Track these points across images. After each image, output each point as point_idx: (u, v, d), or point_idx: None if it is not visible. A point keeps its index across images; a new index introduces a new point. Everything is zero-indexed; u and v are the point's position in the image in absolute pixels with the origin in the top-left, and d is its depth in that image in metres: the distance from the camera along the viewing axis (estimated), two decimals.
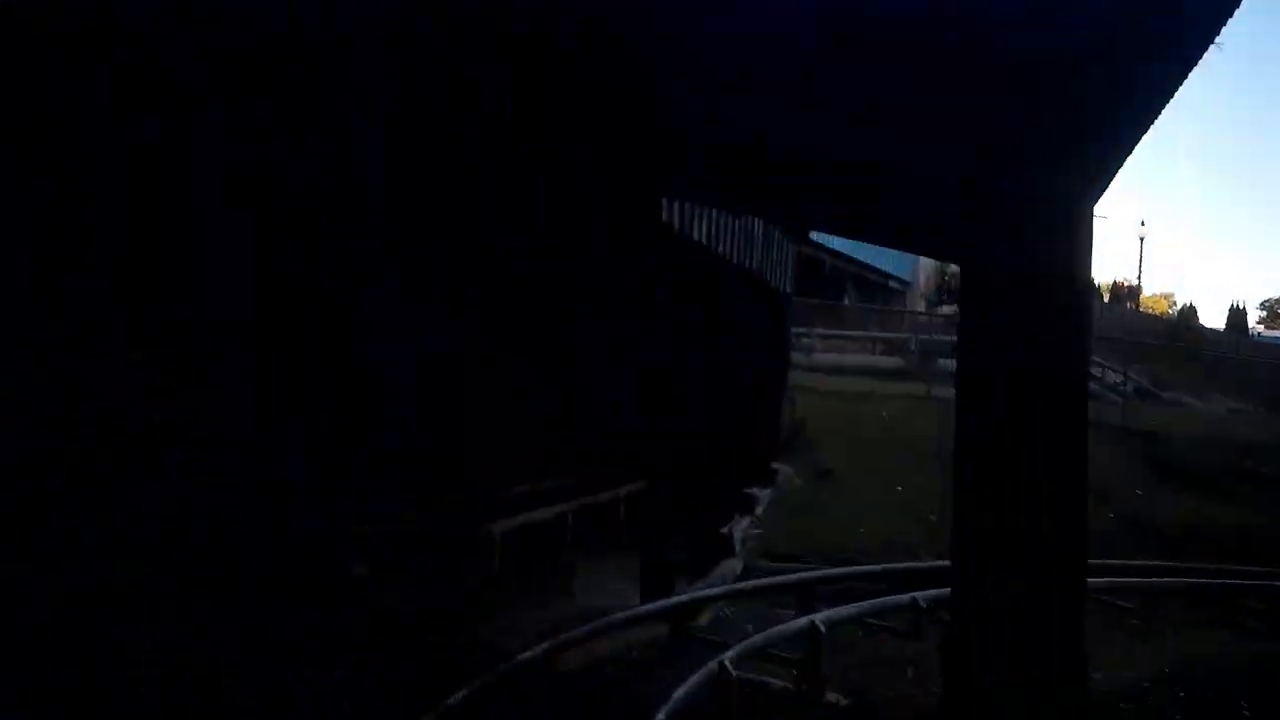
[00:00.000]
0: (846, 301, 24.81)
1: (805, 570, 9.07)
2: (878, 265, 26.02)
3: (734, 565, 9.68)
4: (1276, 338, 37.63)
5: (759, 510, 11.02)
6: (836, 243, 24.96)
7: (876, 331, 22.07)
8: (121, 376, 4.36)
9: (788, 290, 12.89)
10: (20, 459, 3.94)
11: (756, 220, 10.61)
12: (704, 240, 9.34)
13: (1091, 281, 4.39)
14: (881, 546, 10.49)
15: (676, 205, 8.04)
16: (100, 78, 3.78)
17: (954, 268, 26.50)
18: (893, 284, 28.58)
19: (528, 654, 5.53)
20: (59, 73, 3.66)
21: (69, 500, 4.08)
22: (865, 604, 7.71)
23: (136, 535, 4.37)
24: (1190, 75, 3.17)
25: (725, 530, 10.13)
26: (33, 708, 3.78)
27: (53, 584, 4.01)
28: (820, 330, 19.42)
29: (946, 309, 25.63)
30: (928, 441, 13.57)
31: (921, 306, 28.81)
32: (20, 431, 3.95)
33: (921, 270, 29.42)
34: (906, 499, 11.76)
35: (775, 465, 12.24)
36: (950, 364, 18.12)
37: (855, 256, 24.40)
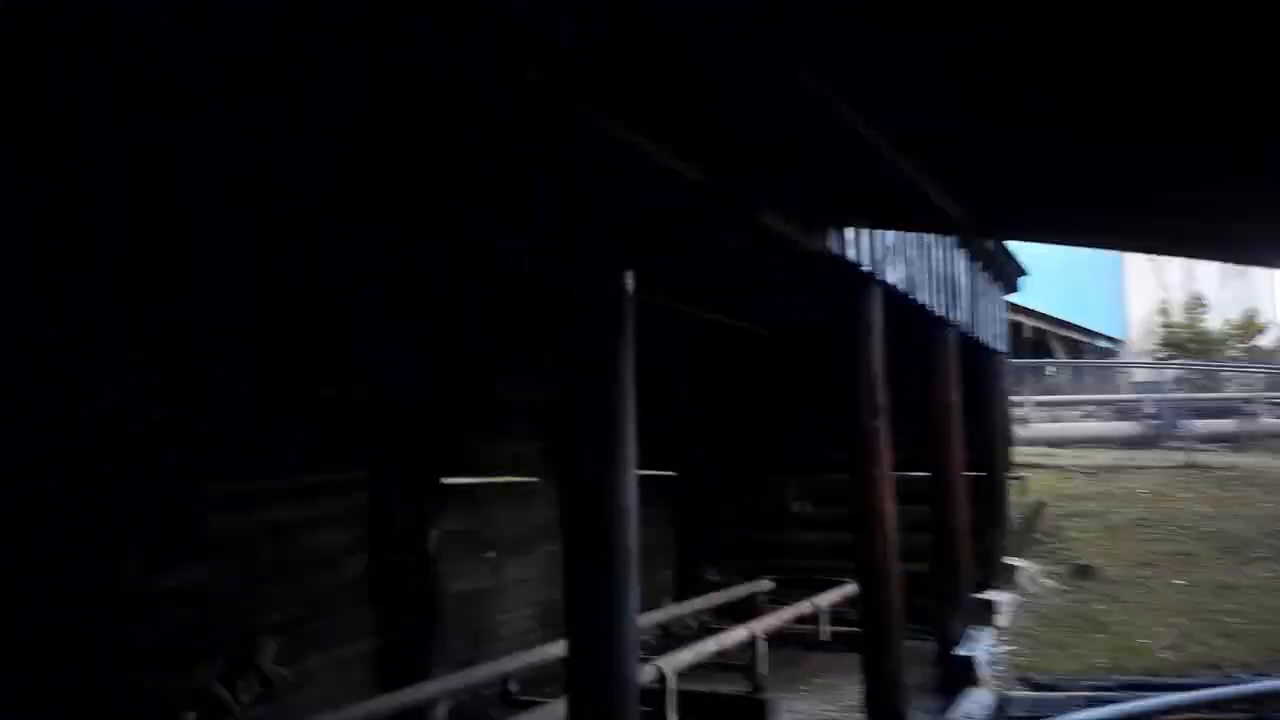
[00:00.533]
0: (1054, 368, 21.90)
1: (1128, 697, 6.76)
2: (1083, 324, 23.07)
3: (982, 698, 7.44)
4: None
5: (1000, 619, 8.71)
6: (1034, 299, 22.31)
7: (1098, 394, 19.16)
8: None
9: (1001, 349, 10.70)
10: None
11: (953, 260, 8.69)
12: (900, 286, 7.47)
13: None
14: (1175, 663, 7.99)
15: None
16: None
17: (1174, 317, 23.09)
18: (1101, 343, 25.34)
19: None
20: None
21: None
22: None
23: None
24: None
25: (963, 650, 7.92)
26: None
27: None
28: (1035, 397, 16.78)
29: (1171, 369, 22.29)
30: (1204, 521, 10.90)
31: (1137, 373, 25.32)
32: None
33: (1134, 326, 26.05)
34: (1196, 600, 9.16)
35: (1011, 561, 9.88)
36: (1199, 424, 15.25)
37: (1056, 315, 21.67)
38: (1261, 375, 18.66)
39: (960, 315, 9.02)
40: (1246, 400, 16.96)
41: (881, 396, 5.99)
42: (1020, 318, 20.34)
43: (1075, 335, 23.44)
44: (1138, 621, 8.76)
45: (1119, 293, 26.22)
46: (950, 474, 8.75)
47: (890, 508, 6.01)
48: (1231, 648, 8.50)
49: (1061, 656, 8.10)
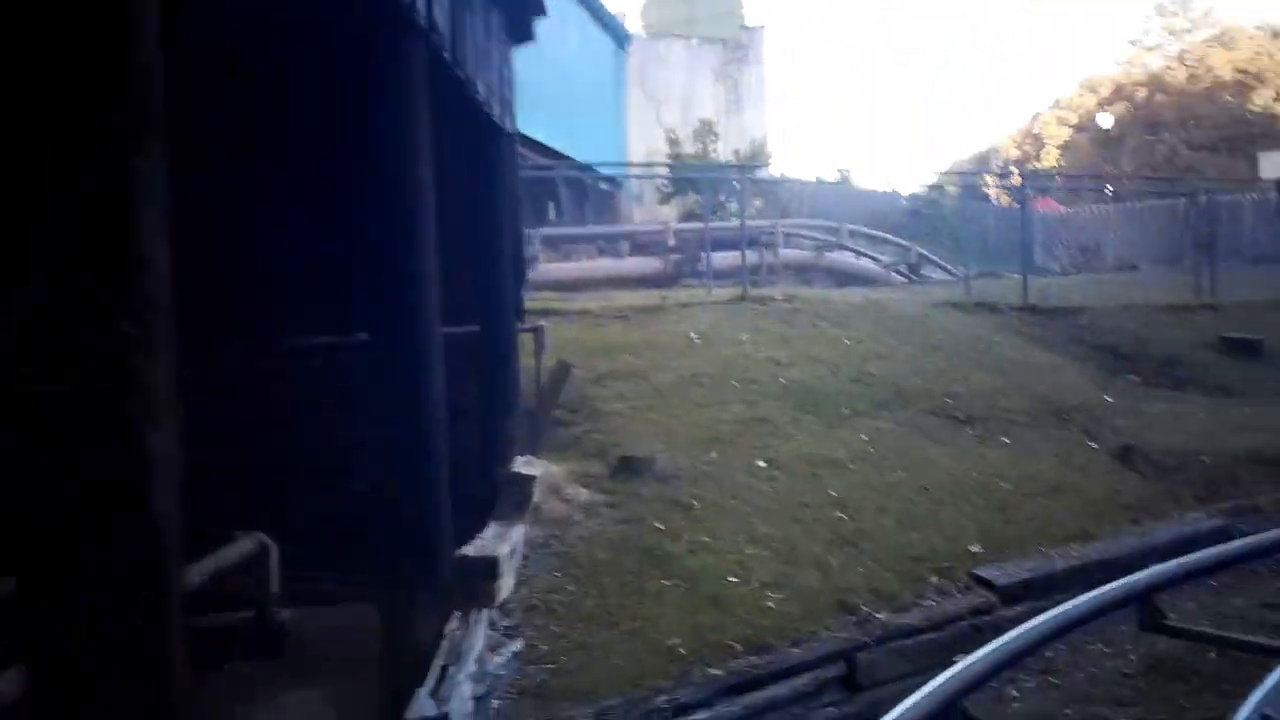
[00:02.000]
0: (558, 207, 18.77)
1: None
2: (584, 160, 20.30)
3: None
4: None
5: (503, 588, 4.83)
6: (537, 128, 18.91)
7: (615, 227, 16.45)
8: None
9: (508, 127, 6.60)
10: None
11: None
12: None
13: None
14: (787, 616, 4.82)
15: None
16: None
17: (684, 147, 21.21)
18: (604, 185, 22.96)
19: None
20: None
21: None
22: None
23: None
24: None
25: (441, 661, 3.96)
26: None
27: None
28: (544, 230, 13.30)
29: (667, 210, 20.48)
30: (776, 371, 8.06)
31: (638, 209, 23.43)
32: None
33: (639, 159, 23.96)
34: (791, 489, 6.15)
35: (524, 464, 6.09)
36: (720, 257, 12.91)
37: (559, 149, 18.59)
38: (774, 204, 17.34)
39: (438, 18, 4.63)
40: (767, 231, 15.18)
41: None
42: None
43: (579, 173, 20.59)
44: (718, 545, 5.45)
45: (621, 128, 23.96)
46: (421, 326, 4.55)
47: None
48: (855, 562, 5.55)
49: (607, 650, 4.46)
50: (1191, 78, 62.86)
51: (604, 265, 13.10)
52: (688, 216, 17.81)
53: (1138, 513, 6.78)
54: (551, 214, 17.94)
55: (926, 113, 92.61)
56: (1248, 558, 5.66)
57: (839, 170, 29.33)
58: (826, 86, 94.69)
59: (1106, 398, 8.48)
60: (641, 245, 14.51)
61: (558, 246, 14.34)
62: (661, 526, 5.57)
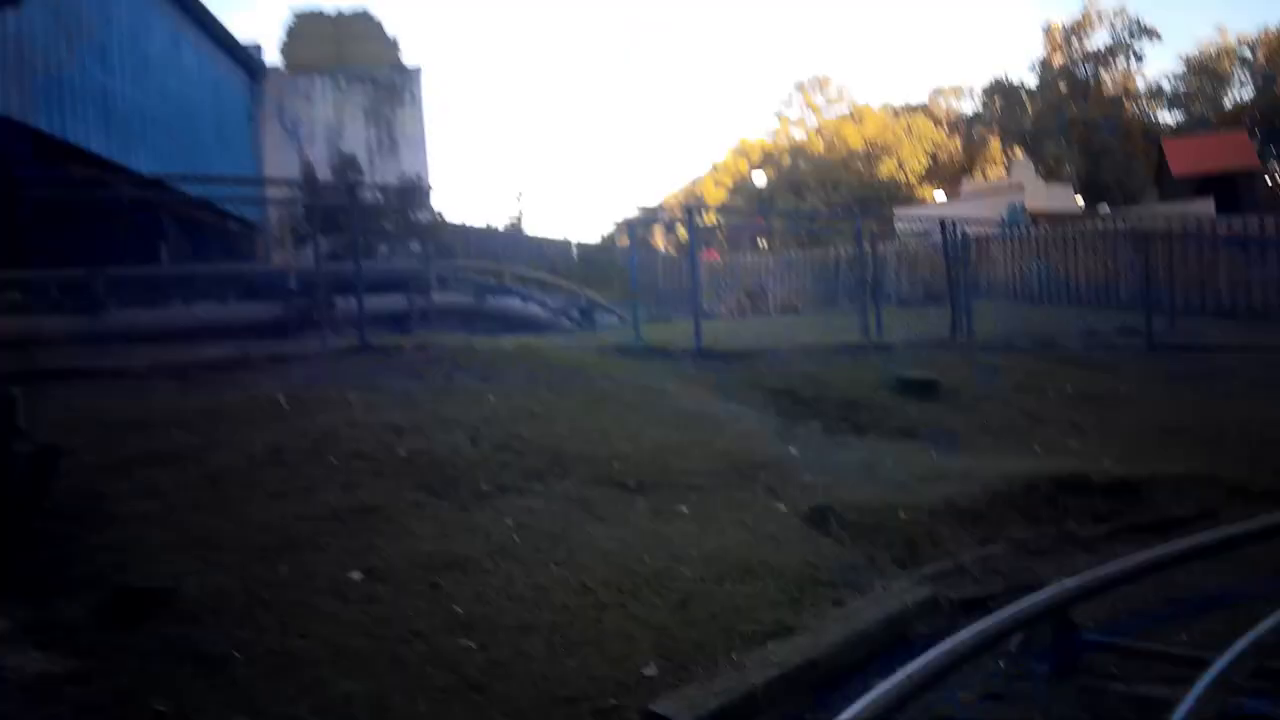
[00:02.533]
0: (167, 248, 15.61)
1: None
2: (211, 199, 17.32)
3: None
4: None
5: None
6: (140, 157, 15.73)
7: (224, 269, 13.66)
8: None
9: None
10: None
11: None
12: None
13: None
14: None
15: None
16: None
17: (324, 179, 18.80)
18: (235, 226, 19.90)
19: None
20: None
21: None
22: None
23: None
24: None
25: None
26: None
27: None
28: (116, 271, 10.30)
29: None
30: (406, 438, 6.11)
31: (279, 252, 20.56)
32: None
33: (273, 209, 21.11)
34: (434, 610, 4.24)
35: None
36: (366, 301, 10.62)
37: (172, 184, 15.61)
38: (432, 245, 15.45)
39: None
40: (417, 273, 13.23)
41: None
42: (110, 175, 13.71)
43: (200, 213, 17.49)
44: None
45: (254, 164, 21.09)
46: None
47: None
48: None
49: None
50: (829, 148, 69.66)
51: (202, 312, 10.47)
52: (331, 258, 15.42)
53: (839, 589, 5.56)
54: (163, 254, 14.86)
55: (600, 167, 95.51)
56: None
57: (510, 217, 28.07)
58: (497, 135, 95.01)
59: (791, 449, 7.39)
60: (257, 289, 12.00)
61: (155, 290, 11.47)
62: (165, 709, 3.42)
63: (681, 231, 28.14)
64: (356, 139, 22.95)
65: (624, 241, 23.24)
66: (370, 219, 14.86)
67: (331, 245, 13.88)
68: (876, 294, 12.55)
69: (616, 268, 21.35)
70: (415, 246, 15.77)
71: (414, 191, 16.07)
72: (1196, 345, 11.81)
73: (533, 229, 27.96)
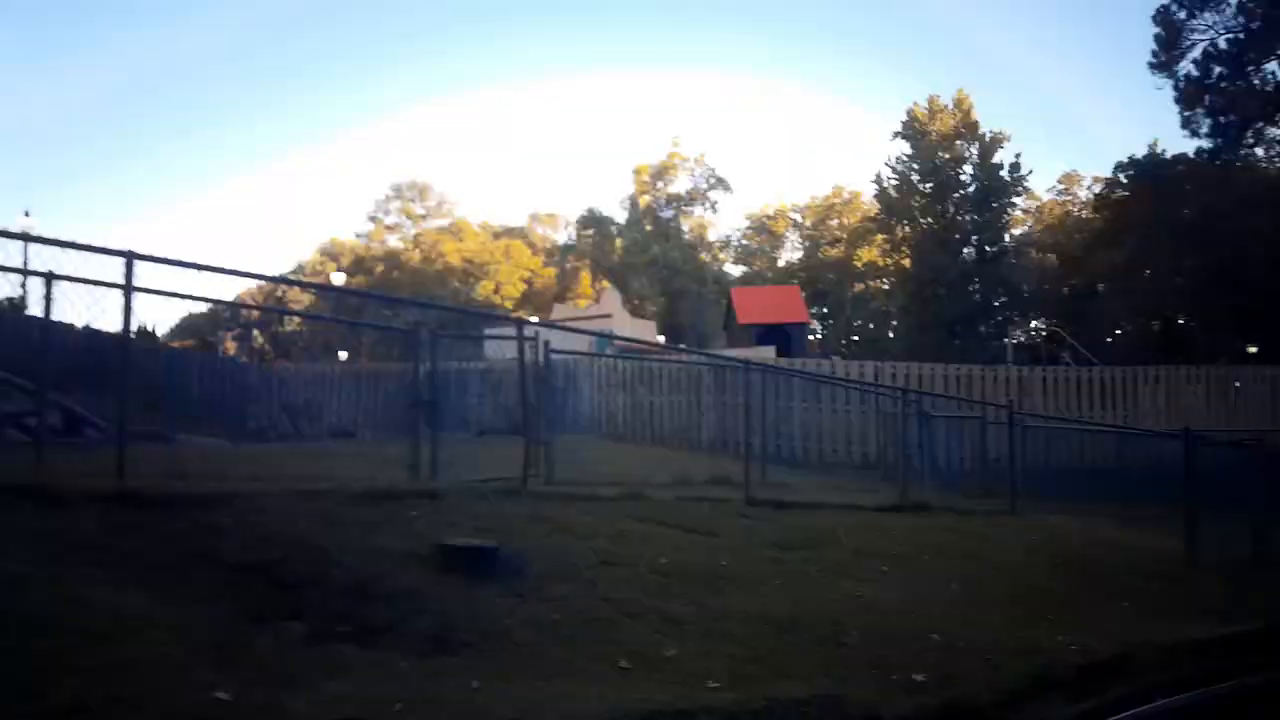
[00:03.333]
0: None
1: None
2: None
3: None
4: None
5: None
6: None
7: None
8: None
9: None
10: None
11: None
12: None
13: None
14: None
15: None
16: None
17: None
18: None
19: None
20: None
21: None
22: None
23: None
24: None
25: None
26: None
27: None
28: None
29: None
30: None
31: None
32: None
33: None
34: None
35: None
36: None
37: None
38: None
39: None
40: None
41: None
42: None
43: None
44: None
45: None
46: None
47: None
48: None
49: None
50: (425, 260, 67.68)
51: None
52: None
53: None
54: None
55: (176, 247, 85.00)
56: None
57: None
58: None
59: (219, 693, 4.13)
60: None
61: None
62: None
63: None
64: None
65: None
66: None
67: None
68: (434, 420, 9.75)
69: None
70: None
71: None
72: (785, 501, 10.38)
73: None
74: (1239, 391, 21.33)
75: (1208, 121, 38.79)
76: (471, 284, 70.83)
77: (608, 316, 36.28)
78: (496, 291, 68.54)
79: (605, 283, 54.01)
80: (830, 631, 6.70)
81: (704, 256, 69.25)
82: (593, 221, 62.24)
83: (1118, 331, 58.04)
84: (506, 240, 70.68)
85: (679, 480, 11.18)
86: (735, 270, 74.84)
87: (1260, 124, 38.06)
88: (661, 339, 45.59)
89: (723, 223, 72.21)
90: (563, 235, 69.39)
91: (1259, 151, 40.77)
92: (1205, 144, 39.78)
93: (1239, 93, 37.39)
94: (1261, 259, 47.63)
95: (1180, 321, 57.04)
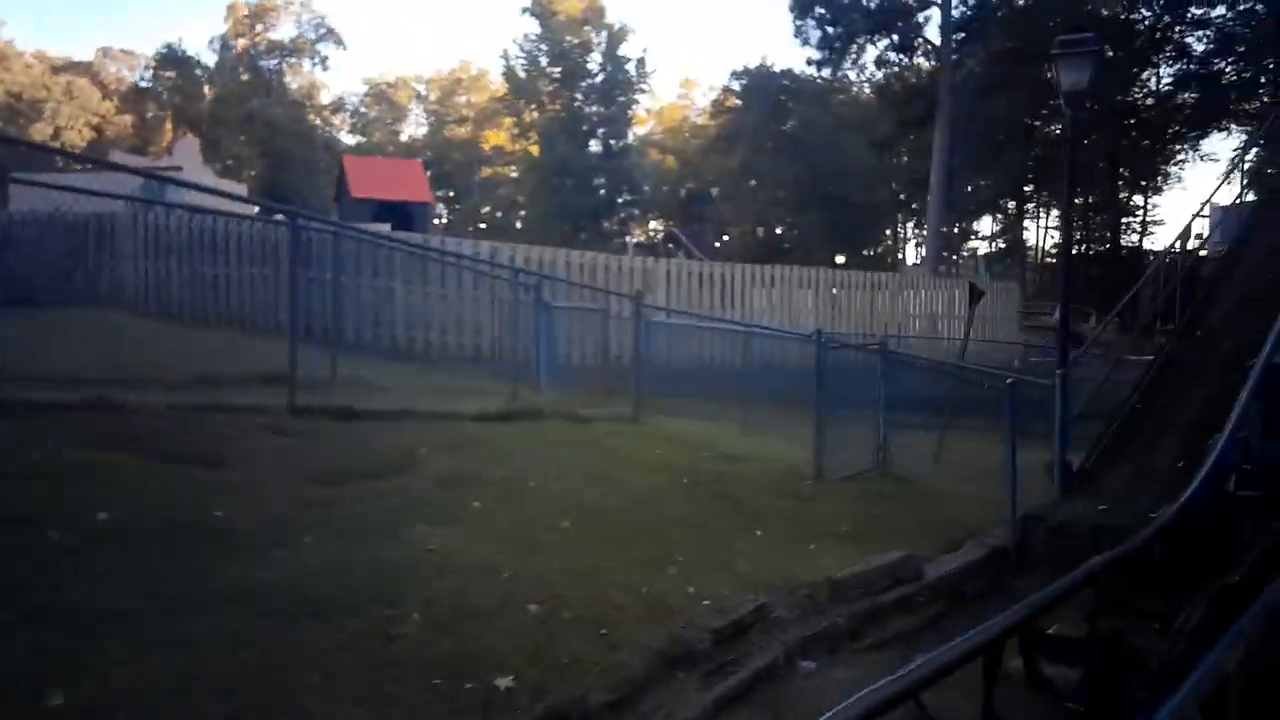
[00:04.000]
0: None
1: None
2: None
3: None
4: None
5: None
6: None
7: None
8: None
9: None
10: None
11: None
12: None
13: None
14: None
15: None
16: None
17: None
18: None
19: None
20: None
21: None
22: None
23: None
24: None
25: None
26: None
27: None
28: None
29: None
30: None
31: None
32: None
33: None
34: None
35: None
36: None
37: None
38: None
39: None
40: None
41: None
42: None
43: None
44: None
45: None
46: None
47: None
48: None
49: None
50: None
51: None
52: None
53: None
54: None
55: None
56: None
57: None
58: None
59: None
60: None
61: None
62: None
63: None
64: None
65: None
66: None
67: None
68: None
69: None
70: None
71: None
72: (356, 410, 7.72)
73: None
74: (837, 298, 21.99)
75: (817, 33, 40.38)
76: (22, 125, 58.24)
77: (177, 169, 30.35)
78: (56, 137, 56.98)
79: (191, 137, 46.26)
80: (380, 616, 4.31)
81: (314, 119, 62.45)
82: (173, 61, 52.52)
83: (725, 237, 61.22)
84: (70, 76, 58.64)
85: (203, 379, 8.04)
86: (352, 141, 68.73)
87: (864, 39, 40.28)
88: (255, 209, 39.86)
89: (338, 85, 65.45)
90: (143, 76, 58.60)
91: (865, 69, 43.47)
92: (815, 54, 41.54)
93: (848, 5, 39.14)
94: (853, 176, 52.02)
95: (779, 231, 61.45)
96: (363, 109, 71.62)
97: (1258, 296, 11.15)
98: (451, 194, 69.88)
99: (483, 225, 67.89)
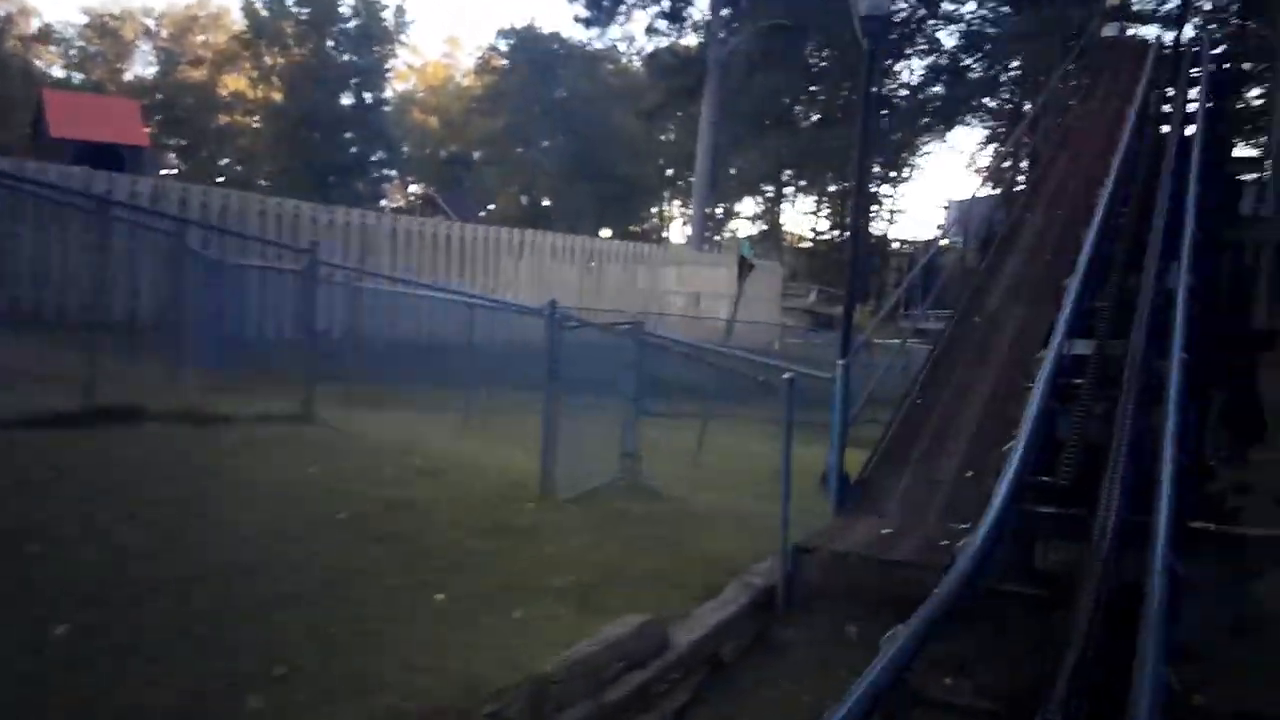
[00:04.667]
0: None
1: None
2: None
3: None
4: None
5: None
6: None
7: None
8: None
9: None
10: None
11: None
12: None
13: None
14: None
15: None
16: None
17: None
18: None
19: None
20: None
21: None
22: None
23: None
24: None
25: None
26: None
27: None
28: None
29: None
30: None
31: None
32: None
33: None
34: None
35: None
36: None
37: None
38: None
39: None
40: None
41: None
42: None
43: None
44: None
45: None
46: None
47: None
48: None
49: None
50: None
51: None
52: None
53: None
54: None
55: None
56: None
57: None
58: None
59: None
60: None
61: None
62: None
63: None
64: None
65: None
66: None
67: None
68: None
69: None
70: None
71: None
72: None
73: None
74: (595, 270, 20.07)
75: None
76: None
77: None
78: None
79: None
80: None
81: (16, 46, 53.55)
82: None
83: (491, 207, 58.22)
84: None
85: None
86: (66, 76, 59.66)
87: (633, 2, 38.75)
88: None
89: (51, 12, 56.53)
90: None
91: (635, 40, 42.05)
92: (583, 11, 39.62)
93: None
94: (622, 148, 50.63)
95: (546, 203, 59.15)
96: (80, 42, 62.45)
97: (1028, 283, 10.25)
98: (185, 142, 62.29)
99: (220, 179, 61.01)
